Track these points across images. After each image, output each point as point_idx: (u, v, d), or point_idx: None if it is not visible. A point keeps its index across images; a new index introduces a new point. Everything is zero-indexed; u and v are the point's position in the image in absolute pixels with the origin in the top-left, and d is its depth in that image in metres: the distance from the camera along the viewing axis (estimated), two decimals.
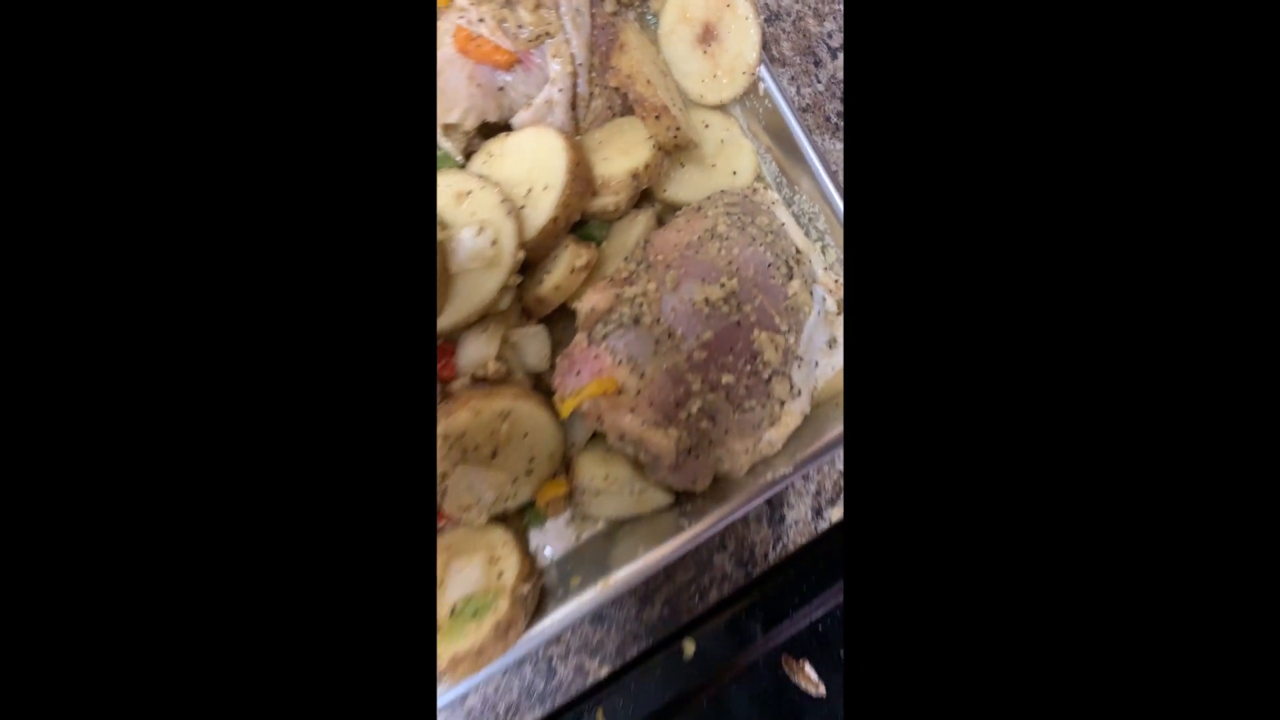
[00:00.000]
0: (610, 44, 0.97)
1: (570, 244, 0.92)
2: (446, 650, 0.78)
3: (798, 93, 1.17)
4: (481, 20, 0.91)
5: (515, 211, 0.87)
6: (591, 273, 0.92)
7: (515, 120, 0.95)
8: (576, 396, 0.85)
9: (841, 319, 0.97)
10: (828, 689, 1.01)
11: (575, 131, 0.96)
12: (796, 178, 1.03)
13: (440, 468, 0.84)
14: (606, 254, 0.96)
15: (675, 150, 0.97)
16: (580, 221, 0.96)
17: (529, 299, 0.92)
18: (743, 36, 1.00)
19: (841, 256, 1.01)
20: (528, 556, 0.87)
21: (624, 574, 0.89)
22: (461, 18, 0.91)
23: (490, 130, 0.95)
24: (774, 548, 1.03)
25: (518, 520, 0.91)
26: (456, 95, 0.91)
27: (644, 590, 0.98)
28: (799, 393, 0.93)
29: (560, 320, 0.95)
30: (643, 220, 0.98)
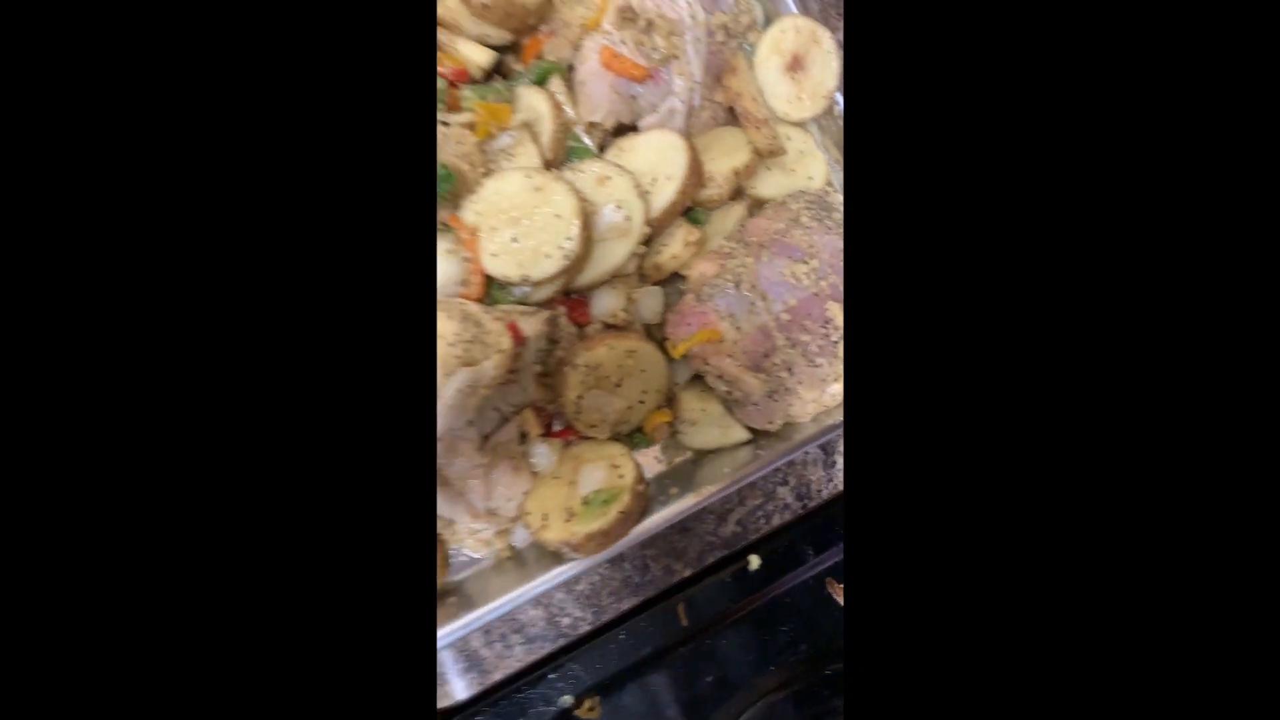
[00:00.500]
0: (721, 67, 1.20)
1: (683, 224, 1.15)
2: (581, 529, 1.00)
3: None
4: (624, 43, 1.14)
5: (644, 195, 1.10)
6: (699, 248, 1.15)
7: (642, 123, 1.18)
8: (688, 342, 1.08)
9: None
10: None
11: (689, 135, 1.19)
12: None
13: (577, 391, 1.06)
14: (708, 234, 1.19)
15: (768, 156, 1.20)
16: (689, 207, 1.19)
17: (647, 265, 1.15)
18: (825, 67, 1.23)
19: None
20: (638, 466, 1.09)
21: (708, 490, 1.11)
22: (606, 39, 1.14)
23: (620, 130, 1.18)
24: (826, 486, 1.25)
25: (627, 441, 1.13)
26: (599, 100, 1.15)
27: (721, 509, 1.20)
28: None
29: (669, 284, 1.18)
30: (738, 209, 1.21)
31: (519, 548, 1.10)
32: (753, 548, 1.21)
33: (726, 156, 1.18)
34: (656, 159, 1.13)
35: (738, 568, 1.20)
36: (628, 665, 1.15)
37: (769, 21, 1.25)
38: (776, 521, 1.22)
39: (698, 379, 1.14)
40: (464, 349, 0.95)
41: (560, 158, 1.13)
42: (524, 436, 1.07)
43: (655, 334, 1.15)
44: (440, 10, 1.08)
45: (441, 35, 1.09)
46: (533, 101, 1.12)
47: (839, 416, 1.15)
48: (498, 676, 1.13)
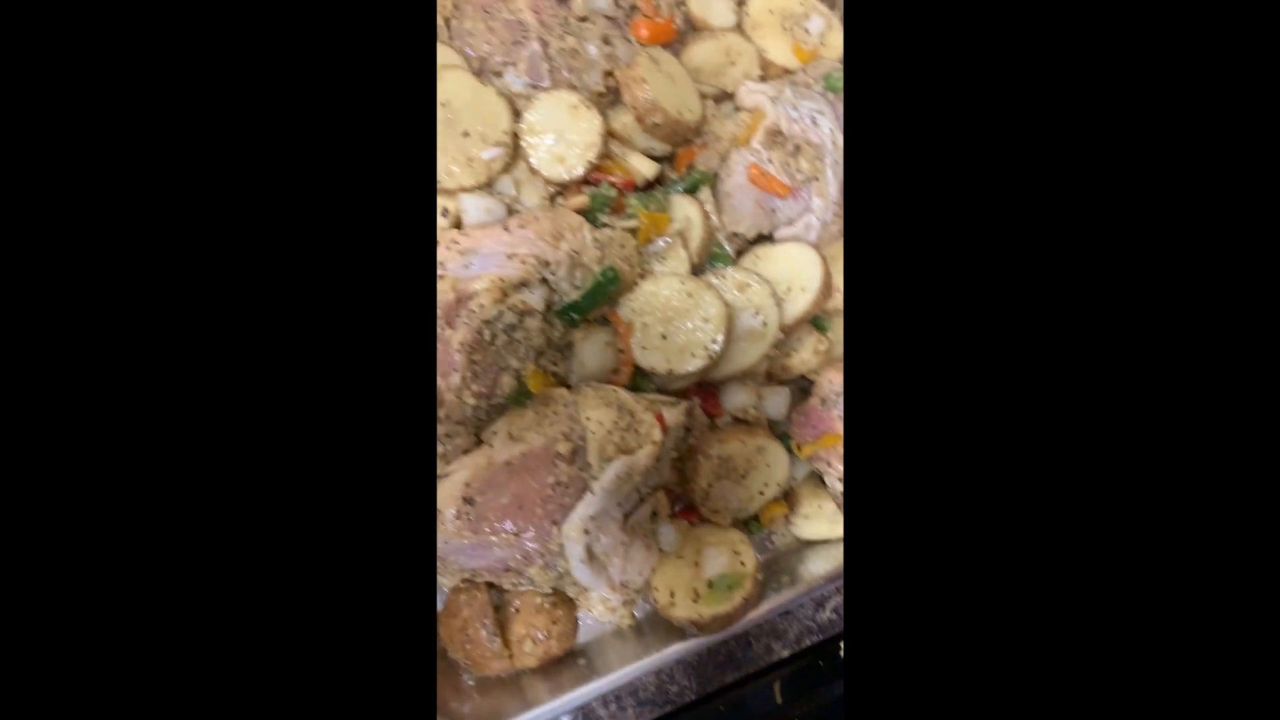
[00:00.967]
0: None
1: (812, 331, 1.25)
2: (708, 611, 1.10)
3: None
4: (771, 161, 1.25)
5: (779, 303, 1.21)
6: (825, 356, 1.25)
7: (778, 234, 1.29)
8: (813, 445, 1.17)
9: None
10: None
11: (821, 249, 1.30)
12: None
13: (708, 479, 1.16)
14: (833, 341, 1.29)
15: None
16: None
17: (775, 366, 1.25)
18: None
19: None
20: (757, 555, 1.18)
21: (813, 578, 1.20)
22: (755, 156, 1.26)
23: (758, 239, 1.29)
24: None
25: (744, 528, 1.22)
26: (744, 212, 1.26)
27: (820, 596, 1.28)
28: None
29: (793, 382, 1.28)
30: None
31: (639, 617, 1.19)
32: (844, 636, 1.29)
33: None
34: (792, 270, 1.24)
35: (830, 653, 1.28)
36: None
37: None
38: None
39: (814, 475, 1.24)
40: (620, 437, 1.05)
41: (704, 262, 1.24)
42: (654, 515, 1.17)
43: (776, 429, 1.25)
44: (615, 124, 1.20)
45: (614, 146, 1.21)
46: (686, 210, 1.23)
47: None
48: None
